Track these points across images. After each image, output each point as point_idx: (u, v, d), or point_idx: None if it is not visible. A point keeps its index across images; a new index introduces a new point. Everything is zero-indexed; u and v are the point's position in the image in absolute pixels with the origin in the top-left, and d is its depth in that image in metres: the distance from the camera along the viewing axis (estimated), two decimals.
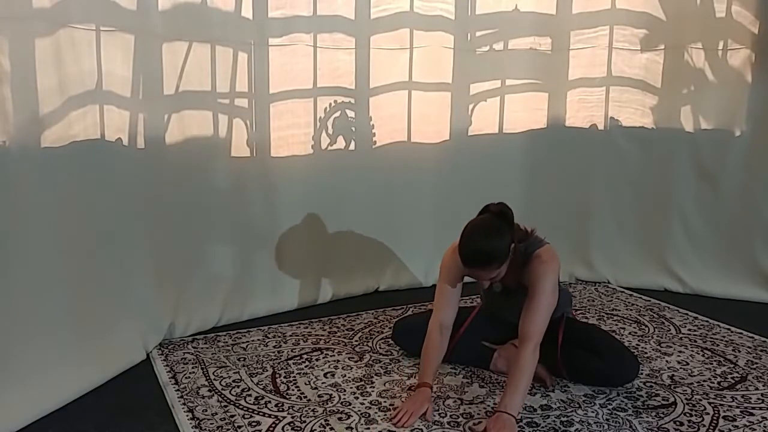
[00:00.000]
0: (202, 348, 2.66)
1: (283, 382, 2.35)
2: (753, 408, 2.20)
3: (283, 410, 2.14)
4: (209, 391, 2.28)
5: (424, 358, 2.24)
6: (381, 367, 2.50)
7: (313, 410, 2.14)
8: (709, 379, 2.42)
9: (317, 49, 3.10)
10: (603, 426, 2.06)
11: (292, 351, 2.65)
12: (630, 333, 2.89)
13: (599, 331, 2.56)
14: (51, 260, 2.22)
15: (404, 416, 2.06)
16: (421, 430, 2.03)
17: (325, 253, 3.31)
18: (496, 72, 3.58)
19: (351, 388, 2.31)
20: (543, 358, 2.30)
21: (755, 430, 2.06)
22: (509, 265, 2.13)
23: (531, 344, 2.06)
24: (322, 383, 2.35)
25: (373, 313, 3.12)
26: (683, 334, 2.89)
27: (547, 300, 2.14)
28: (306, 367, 2.49)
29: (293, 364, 2.52)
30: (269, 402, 2.20)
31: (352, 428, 2.03)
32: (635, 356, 2.45)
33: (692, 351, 2.69)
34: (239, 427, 2.03)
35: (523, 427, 2.04)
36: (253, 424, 2.05)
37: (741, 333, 2.89)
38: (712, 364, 2.56)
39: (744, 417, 2.13)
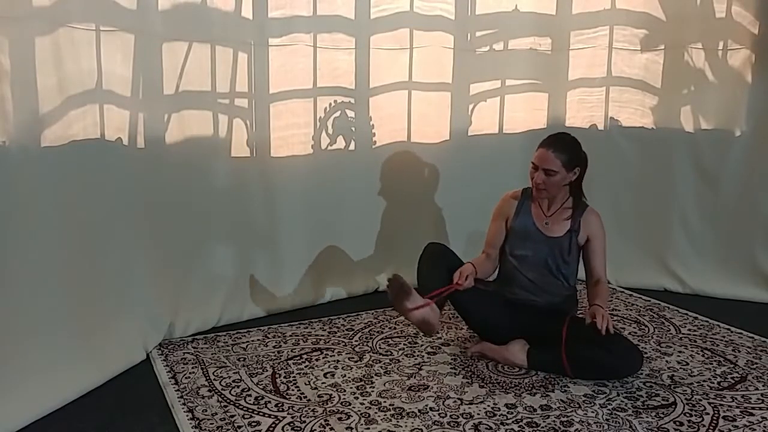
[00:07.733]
0: (202, 348, 2.66)
1: (283, 382, 2.35)
2: (753, 408, 2.20)
3: (283, 410, 2.14)
4: (209, 391, 2.28)
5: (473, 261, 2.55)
6: (381, 367, 2.50)
7: (313, 410, 2.14)
8: (709, 379, 2.42)
9: (317, 49, 3.10)
10: (603, 426, 2.06)
11: (292, 351, 2.64)
12: (630, 333, 2.88)
13: None
14: (51, 260, 2.22)
15: (462, 278, 2.39)
16: (421, 430, 2.03)
17: (325, 253, 3.31)
18: (496, 72, 3.58)
19: (351, 388, 2.31)
20: (548, 355, 2.33)
21: (755, 430, 2.06)
22: (565, 194, 2.52)
23: (604, 280, 2.53)
24: (322, 383, 2.34)
25: (373, 313, 3.12)
26: (683, 334, 2.89)
27: (605, 247, 2.55)
28: (306, 367, 2.49)
29: (293, 364, 2.52)
30: (269, 402, 2.20)
31: (352, 428, 2.03)
32: (639, 348, 2.46)
33: (692, 351, 2.69)
34: (239, 427, 2.03)
35: (523, 427, 2.05)
36: (253, 424, 2.05)
37: (741, 333, 2.89)
38: (712, 364, 2.56)
39: (744, 417, 2.13)
